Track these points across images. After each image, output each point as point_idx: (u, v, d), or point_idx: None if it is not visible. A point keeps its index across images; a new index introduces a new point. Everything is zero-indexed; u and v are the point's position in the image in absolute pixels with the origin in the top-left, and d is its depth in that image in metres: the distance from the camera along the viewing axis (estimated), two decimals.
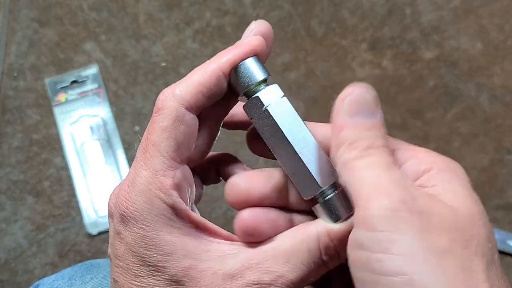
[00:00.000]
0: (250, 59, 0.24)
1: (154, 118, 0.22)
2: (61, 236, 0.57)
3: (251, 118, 0.24)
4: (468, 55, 0.67)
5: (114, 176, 0.59)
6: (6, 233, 0.57)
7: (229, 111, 0.25)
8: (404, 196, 0.19)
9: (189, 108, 0.23)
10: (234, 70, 0.24)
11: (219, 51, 0.63)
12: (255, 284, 0.21)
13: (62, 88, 0.62)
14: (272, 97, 0.24)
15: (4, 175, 0.59)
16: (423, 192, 0.20)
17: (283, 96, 0.24)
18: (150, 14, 0.67)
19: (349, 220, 0.22)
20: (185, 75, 0.69)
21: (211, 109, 0.24)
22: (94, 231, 0.57)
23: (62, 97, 0.62)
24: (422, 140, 0.62)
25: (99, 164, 0.59)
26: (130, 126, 0.62)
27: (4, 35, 0.65)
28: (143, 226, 0.21)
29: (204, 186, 0.27)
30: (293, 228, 0.23)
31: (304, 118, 0.26)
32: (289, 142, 0.24)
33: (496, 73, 0.66)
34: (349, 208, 0.22)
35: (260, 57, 0.25)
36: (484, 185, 0.61)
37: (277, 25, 0.67)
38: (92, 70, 0.63)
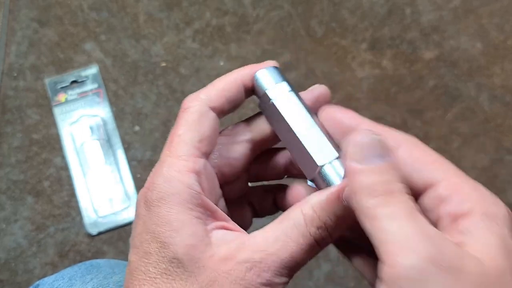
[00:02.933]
0: (268, 67, 0.27)
1: (181, 115, 0.24)
2: (61, 236, 0.57)
3: (265, 115, 0.27)
4: (468, 55, 0.67)
5: (114, 176, 0.59)
6: (6, 233, 0.57)
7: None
8: (431, 251, 0.19)
9: (213, 109, 0.25)
10: (255, 77, 0.27)
11: (219, 51, 0.65)
12: (246, 262, 0.22)
13: (62, 88, 0.62)
14: (278, 92, 0.27)
15: (4, 175, 0.59)
16: (450, 243, 0.19)
17: (291, 90, 0.27)
18: (150, 14, 0.67)
19: (329, 189, 0.23)
20: (185, 75, 0.70)
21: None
22: (94, 231, 0.57)
23: (62, 97, 0.62)
24: (422, 140, 0.62)
25: (99, 164, 0.59)
26: (130, 126, 0.62)
27: (4, 35, 0.65)
28: (159, 204, 0.23)
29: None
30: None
31: None
32: (294, 132, 0.26)
33: (496, 73, 0.66)
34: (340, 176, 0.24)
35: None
36: (484, 185, 0.61)
37: (277, 25, 0.67)
38: (92, 70, 0.63)
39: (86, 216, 0.58)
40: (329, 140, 0.26)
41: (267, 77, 0.28)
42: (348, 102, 0.64)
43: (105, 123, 0.61)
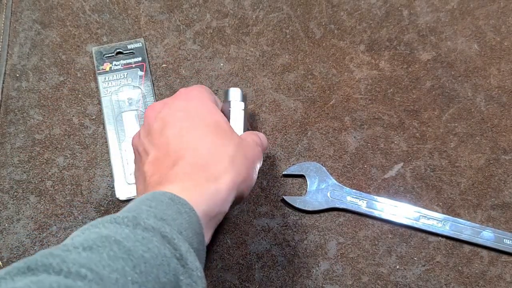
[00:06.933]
0: (237, 88, 0.55)
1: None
2: (63, 235, 0.58)
3: (223, 111, 0.51)
4: (464, 56, 0.67)
5: None
6: (9, 232, 0.57)
7: None
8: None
9: None
10: (228, 90, 0.54)
11: (219, 53, 0.67)
12: None
13: (108, 57, 0.64)
14: (235, 105, 0.53)
15: (7, 175, 0.59)
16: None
17: (243, 109, 0.53)
18: (151, 16, 0.67)
19: None
20: (186, 76, 0.73)
21: None
22: (122, 196, 0.59)
23: (106, 66, 0.63)
24: (419, 139, 0.63)
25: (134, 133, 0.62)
26: None
27: (6, 36, 0.65)
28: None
29: None
30: None
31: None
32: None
33: (492, 74, 0.66)
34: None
35: None
36: (480, 185, 0.61)
37: (276, 26, 0.67)
38: (137, 44, 0.65)
39: (116, 181, 0.60)
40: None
41: (234, 94, 0.54)
42: (346, 103, 0.64)
43: (144, 96, 0.63)
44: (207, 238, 0.39)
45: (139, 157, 0.45)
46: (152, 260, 0.30)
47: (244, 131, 0.57)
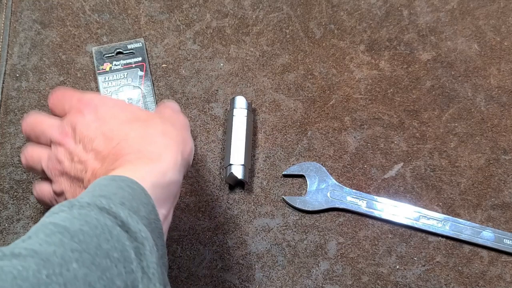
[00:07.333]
0: (241, 96, 0.59)
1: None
2: None
3: (227, 118, 0.56)
4: (464, 56, 0.67)
5: None
6: (9, 232, 0.57)
7: None
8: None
9: None
10: (233, 99, 0.59)
11: (219, 53, 0.67)
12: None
13: (108, 57, 0.64)
14: (239, 112, 0.58)
15: (7, 175, 0.59)
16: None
17: (245, 115, 0.58)
18: (151, 16, 0.67)
19: None
20: (186, 76, 0.72)
21: None
22: None
23: (106, 66, 0.63)
24: (419, 139, 0.63)
25: None
26: None
27: (6, 36, 0.65)
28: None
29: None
30: None
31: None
32: (231, 136, 0.57)
33: (492, 74, 0.67)
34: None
35: None
36: (480, 185, 0.61)
37: (276, 26, 0.67)
38: (137, 44, 0.65)
39: None
40: (245, 151, 0.56)
41: (239, 101, 0.59)
42: (346, 103, 0.64)
43: (144, 97, 0.63)
44: (165, 210, 0.40)
45: (70, 182, 0.45)
46: (91, 231, 0.31)
47: (246, 137, 0.57)
